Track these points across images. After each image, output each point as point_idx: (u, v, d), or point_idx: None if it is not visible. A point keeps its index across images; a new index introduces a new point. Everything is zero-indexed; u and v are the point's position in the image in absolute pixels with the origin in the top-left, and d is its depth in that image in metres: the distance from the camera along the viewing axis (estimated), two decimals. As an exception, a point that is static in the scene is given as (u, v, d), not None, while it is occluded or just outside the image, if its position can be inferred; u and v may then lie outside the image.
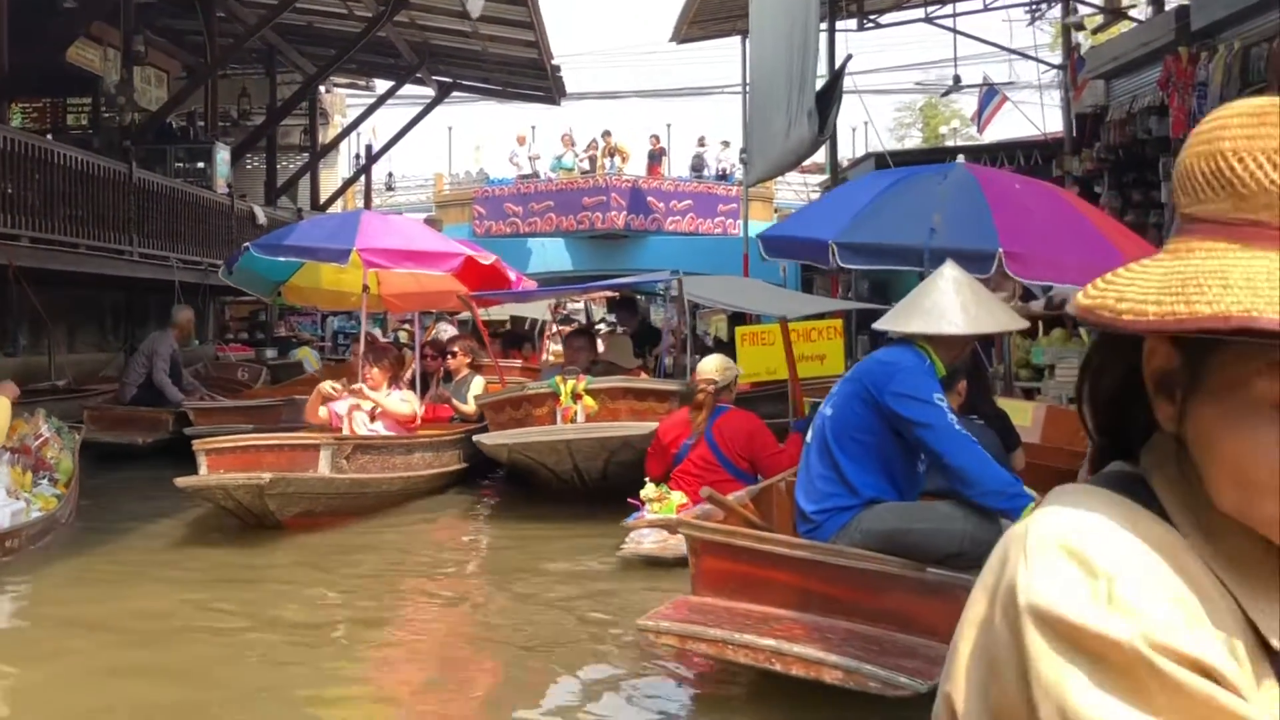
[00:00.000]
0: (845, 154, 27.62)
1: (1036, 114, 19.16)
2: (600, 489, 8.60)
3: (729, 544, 4.94)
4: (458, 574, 7.32)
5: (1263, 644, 0.86)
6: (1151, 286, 0.86)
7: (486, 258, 11.11)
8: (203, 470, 8.19)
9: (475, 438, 9.31)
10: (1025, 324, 6.64)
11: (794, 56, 13.98)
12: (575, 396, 9.14)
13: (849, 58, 14.74)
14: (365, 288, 10.42)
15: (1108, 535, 0.85)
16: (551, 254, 26.96)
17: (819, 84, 14.03)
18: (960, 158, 8.98)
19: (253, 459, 8.33)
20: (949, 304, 4.95)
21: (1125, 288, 0.87)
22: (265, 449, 8.66)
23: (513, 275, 11.50)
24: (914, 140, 44.32)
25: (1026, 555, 0.85)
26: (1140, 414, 0.96)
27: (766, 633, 4.53)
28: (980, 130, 21.40)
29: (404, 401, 9.48)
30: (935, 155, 19.81)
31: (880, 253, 7.57)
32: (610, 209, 26.41)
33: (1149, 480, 0.93)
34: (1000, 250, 6.99)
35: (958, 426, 4.68)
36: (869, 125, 24.79)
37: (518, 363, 13.55)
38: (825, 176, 22.71)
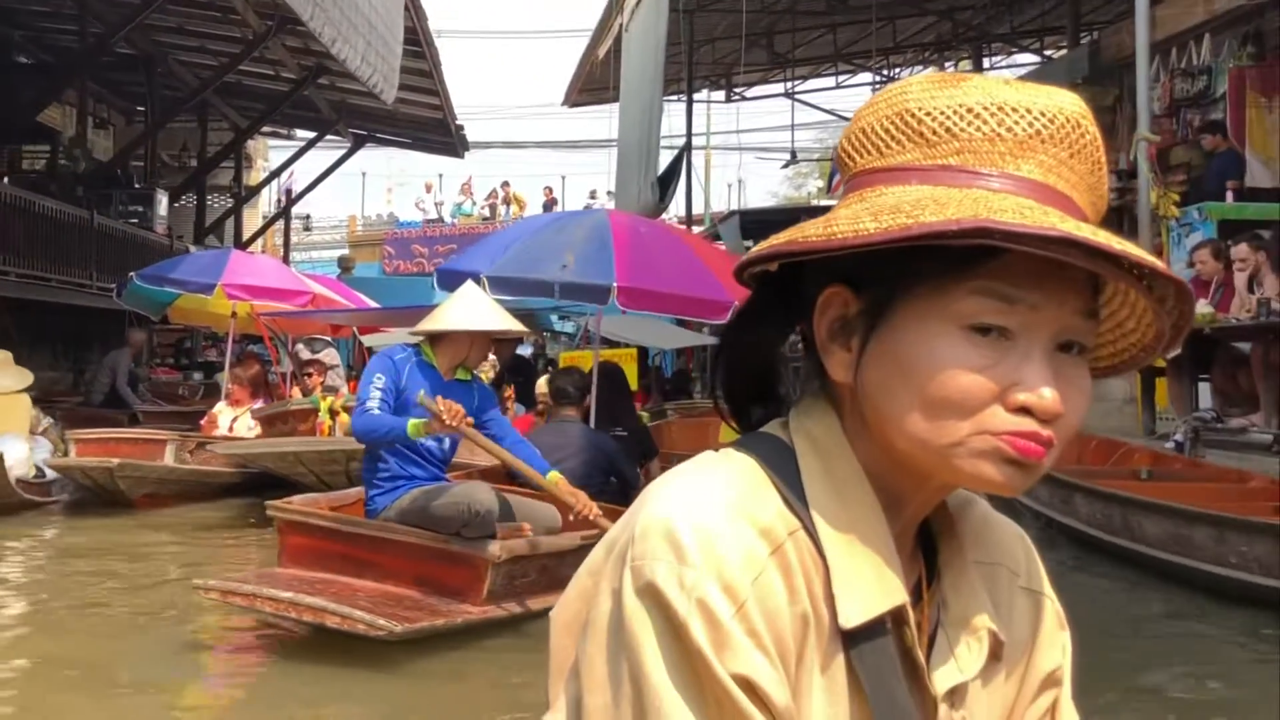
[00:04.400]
0: (720, 206, 30.59)
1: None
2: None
3: (303, 522, 5.64)
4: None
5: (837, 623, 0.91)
6: (855, 216, 0.89)
7: (336, 295, 13.34)
8: (72, 454, 9.83)
9: (212, 447, 10.21)
10: (517, 326, 6.73)
11: (643, 131, 16.40)
12: (333, 413, 9.96)
13: (686, 145, 17.41)
14: (234, 314, 12.39)
15: (710, 526, 0.88)
16: (455, 291, 29.31)
17: (669, 155, 16.65)
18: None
19: (112, 448, 9.86)
20: (442, 311, 5.84)
21: (823, 226, 0.90)
22: (122, 440, 10.32)
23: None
24: (812, 186, 47.70)
25: (635, 532, 0.90)
26: (763, 389, 1.04)
27: (295, 589, 5.08)
28: (831, 192, 24.28)
29: (249, 426, 10.97)
30: (792, 214, 22.56)
31: (523, 285, 8.22)
32: (509, 251, 28.88)
33: (794, 441, 0.97)
34: (615, 284, 7.79)
35: (373, 403, 5.41)
36: (741, 183, 27.56)
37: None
38: (705, 227, 25.62)
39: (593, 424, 7.48)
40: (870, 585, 0.91)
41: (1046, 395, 0.88)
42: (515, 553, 5.41)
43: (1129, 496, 6.55)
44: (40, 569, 7.67)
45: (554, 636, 1.01)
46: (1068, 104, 0.92)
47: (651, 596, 0.86)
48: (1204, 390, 8.83)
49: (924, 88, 0.94)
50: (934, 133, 0.92)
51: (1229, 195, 10.06)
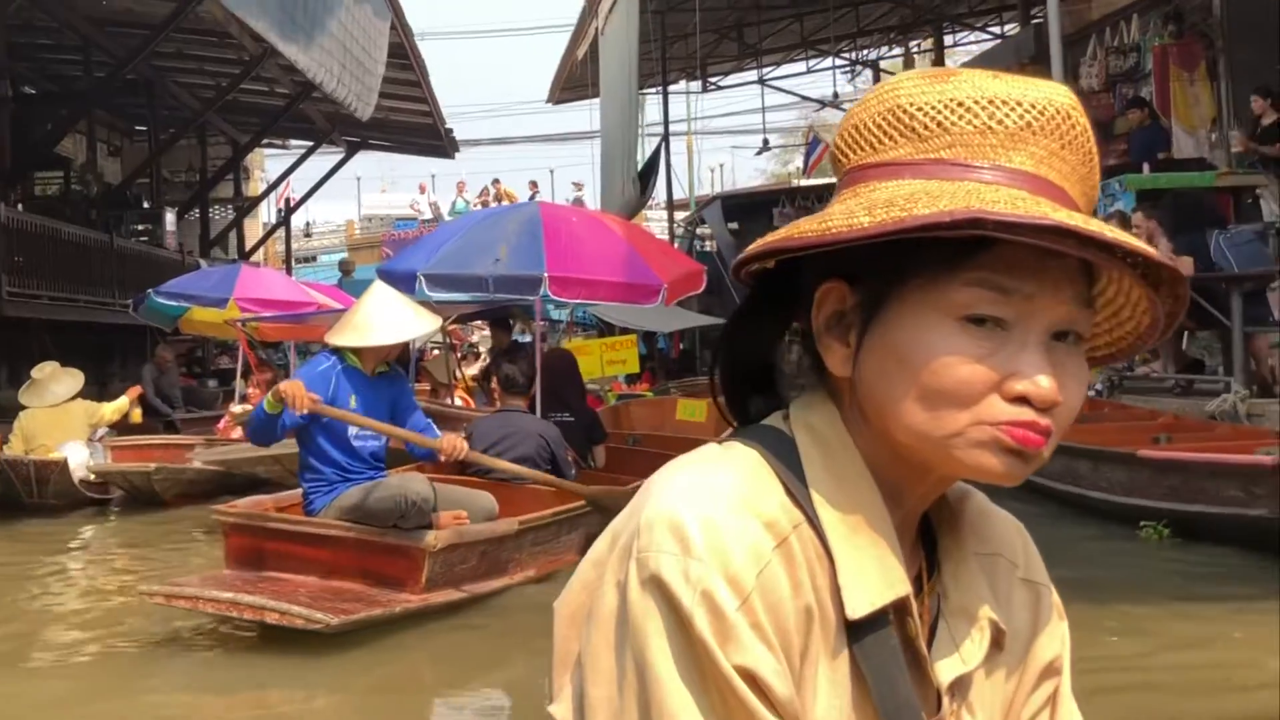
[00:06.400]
0: (706, 190, 31.64)
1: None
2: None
3: (244, 524, 5.82)
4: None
5: (844, 614, 0.90)
6: (849, 211, 0.88)
7: (337, 304, 13.51)
8: (108, 459, 10.57)
9: (193, 457, 10.61)
10: (435, 324, 6.93)
11: (623, 129, 17.30)
12: None
13: (664, 136, 18.36)
14: (242, 323, 12.29)
15: (716, 519, 0.88)
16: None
17: (653, 145, 17.53)
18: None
19: (145, 453, 10.83)
20: (362, 320, 5.93)
21: (818, 222, 0.90)
22: (154, 446, 11.17)
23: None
24: (797, 163, 48.85)
25: (640, 524, 0.90)
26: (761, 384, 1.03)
27: (237, 589, 5.23)
28: (806, 174, 25.21)
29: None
30: (771, 195, 23.48)
31: (457, 281, 8.41)
32: (502, 246, 29.87)
33: (795, 434, 0.97)
34: (545, 274, 8.04)
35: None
36: (723, 167, 28.57)
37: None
38: (690, 211, 26.69)
39: (538, 411, 7.60)
40: (874, 577, 0.91)
41: (1043, 384, 0.88)
42: (451, 541, 5.61)
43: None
44: (76, 559, 8.79)
45: (557, 627, 1.00)
46: (1058, 96, 0.92)
47: (657, 588, 0.87)
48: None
49: (915, 83, 0.94)
50: (925, 127, 0.92)
51: (1144, 167, 11.11)
